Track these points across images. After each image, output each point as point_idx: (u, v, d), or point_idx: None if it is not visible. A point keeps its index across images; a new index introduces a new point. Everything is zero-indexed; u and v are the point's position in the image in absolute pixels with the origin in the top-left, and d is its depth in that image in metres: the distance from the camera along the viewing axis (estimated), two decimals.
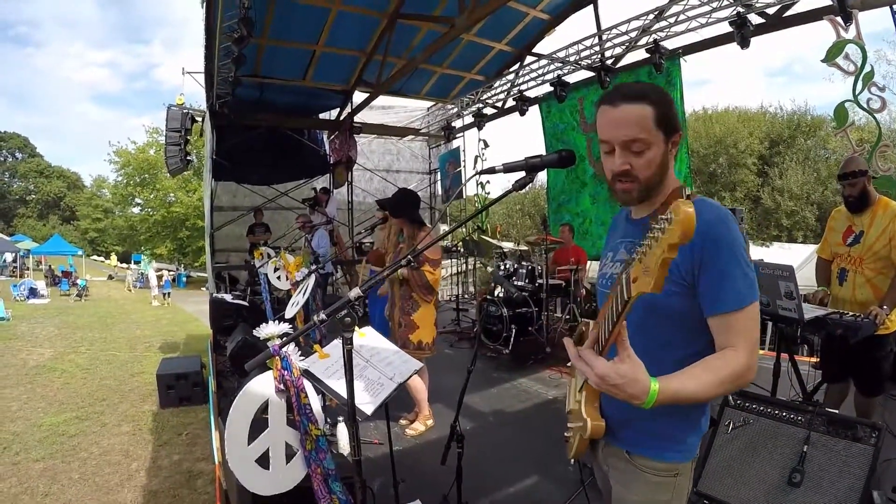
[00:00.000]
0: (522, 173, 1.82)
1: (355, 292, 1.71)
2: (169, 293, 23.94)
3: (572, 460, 1.94)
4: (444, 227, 14.95)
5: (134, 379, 9.69)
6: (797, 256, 13.92)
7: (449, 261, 12.70)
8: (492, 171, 1.86)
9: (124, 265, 44.87)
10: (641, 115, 1.63)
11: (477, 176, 11.63)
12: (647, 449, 1.74)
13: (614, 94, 1.70)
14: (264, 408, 2.03)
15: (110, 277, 37.21)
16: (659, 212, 1.64)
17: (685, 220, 1.10)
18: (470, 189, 13.05)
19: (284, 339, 1.97)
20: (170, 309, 21.36)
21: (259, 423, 2.05)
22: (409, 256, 1.87)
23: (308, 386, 2.09)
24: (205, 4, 6.18)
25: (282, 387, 2.00)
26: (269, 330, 2.04)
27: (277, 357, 1.95)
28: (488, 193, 12.15)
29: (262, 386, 2.02)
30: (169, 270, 39.51)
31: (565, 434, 1.96)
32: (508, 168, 1.84)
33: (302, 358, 2.14)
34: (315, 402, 2.14)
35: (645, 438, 1.74)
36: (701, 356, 1.57)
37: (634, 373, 1.37)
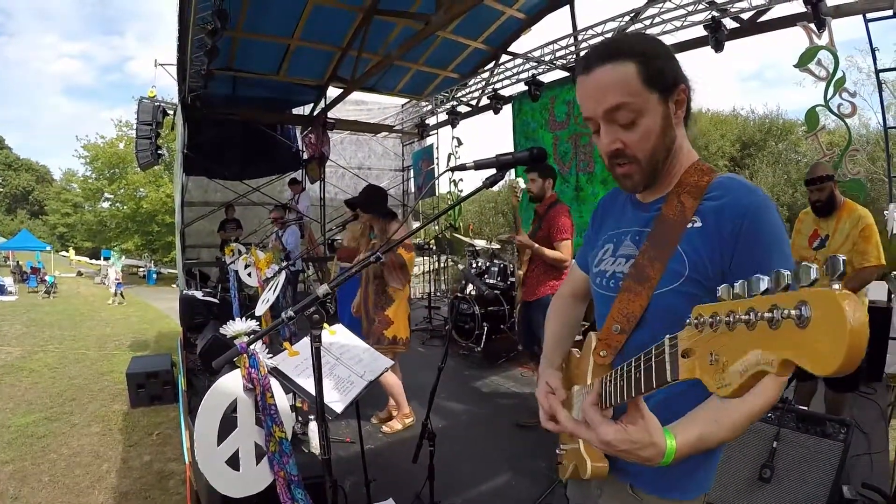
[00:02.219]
0: (494, 170, 1.80)
1: (324, 289, 1.68)
2: (121, 292, 23.00)
3: (562, 478, 1.66)
4: (416, 224, 14.96)
5: (104, 378, 9.56)
6: None
7: (421, 258, 12.69)
8: (463, 167, 1.74)
9: (94, 261, 44.03)
10: (622, 74, 1.29)
11: (449, 172, 11.70)
12: (652, 486, 1.46)
13: (589, 56, 1.35)
14: (234, 407, 2.01)
15: (79, 274, 36.64)
16: (678, 193, 1.38)
17: (852, 346, 0.60)
18: (443, 186, 13.05)
19: (252, 336, 1.95)
20: (139, 306, 21.09)
21: (229, 422, 2.02)
22: (378, 253, 1.85)
23: (275, 386, 2.07)
24: None
25: (249, 385, 1.97)
26: (237, 327, 2.02)
27: (245, 355, 1.92)
28: (461, 191, 12.15)
29: (231, 384, 2.00)
30: (138, 266, 39.04)
31: (557, 452, 1.69)
32: (480, 165, 1.73)
33: (271, 356, 2.12)
34: (283, 402, 2.11)
35: (652, 474, 1.42)
36: None
37: (649, 437, 1.14)
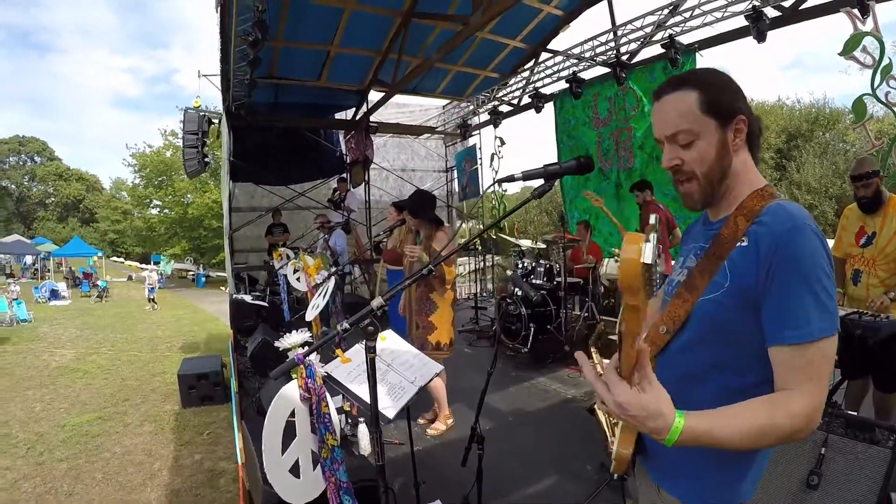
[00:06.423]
0: (541, 180, 1.82)
1: (377, 301, 1.71)
2: (153, 298, 22.20)
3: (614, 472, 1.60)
4: (459, 224, 14.93)
5: (155, 379, 9.77)
6: None
7: (466, 258, 12.69)
8: (511, 179, 1.84)
9: (144, 265, 44.81)
10: (683, 102, 1.46)
11: (493, 174, 11.71)
12: (678, 489, 1.54)
13: (662, 85, 1.53)
14: (291, 413, 2.06)
15: (130, 278, 37.51)
16: (736, 215, 1.47)
17: (624, 269, 1.02)
18: (487, 184, 12.98)
19: (308, 347, 2.00)
20: (189, 309, 21.47)
21: (287, 428, 2.08)
22: (430, 266, 1.89)
23: (328, 395, 2.12)
24: (219, 9, 6.22)
25: (306, 395, 2.03)
26: (292, 339, 2.07)
27: (302, 366, 1.98)
28: (505, 191, 12.14)
29: (290, 394, 2.05)
30: (188, 270, 39.79)
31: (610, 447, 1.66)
32: (528, 176, 1.80)
33: (322, 364, 2.17)
34: (331, 407, 2.16)
35: (677, 478, 1.54)
36: (756, 390, 1.35)
37: (658, 405, 1.19)
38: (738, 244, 1.42)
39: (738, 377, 1.40)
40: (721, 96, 1.45)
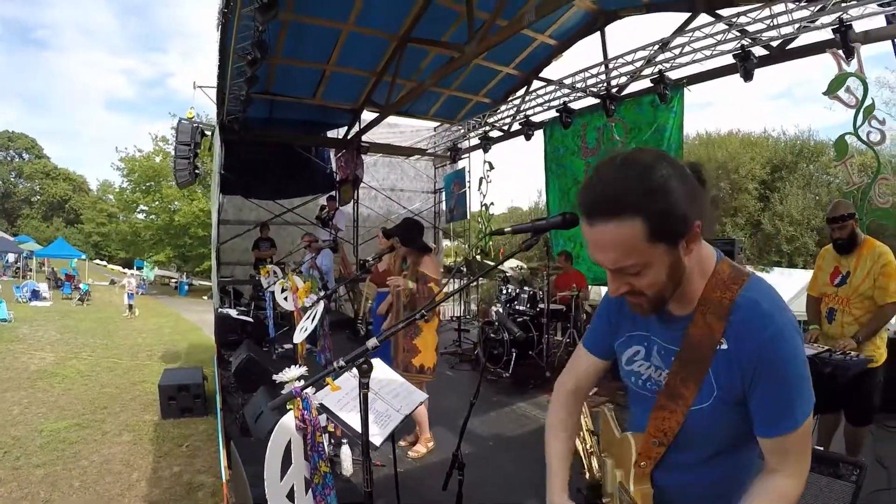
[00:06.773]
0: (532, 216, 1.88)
1: (372, 342, 1.80)
2: (130, 304, 21.50)
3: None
4: (446, 243, 14.98)
5: (135, 387, 9.74)
6: (798, 282, 13.95)
7: (452, 281, 12.75)
8: (501, 232, 1.86)
9: (126, 270, 44.36)
10: (626, 235, 1.23)
11: (481, 196, 11.82)
12: None
13: (590, 202, 1.28)
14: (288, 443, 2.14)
15: (112, 283, 37.19)
16: (703, 312, 1.38)
17: None
18: (474, 206, 13.09)
19: (304, 381, 2.08)
20: (171, 317, 21.33)
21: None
22: (423, 311, 1.98)
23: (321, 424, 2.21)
24: (220, 28, 6.30)
25: (302, 425, 2.11)
26: (290, 374, 2.16)
27: (299, 398, 2.06)
28: (492, 215, 12.23)
29: (288, 424, 2.13)
30: (171, 277, 39.52)
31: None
32: (517, 230, 1.83)
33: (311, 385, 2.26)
34: (326, 440, 2.25)
35: None
36: (746, 447, 1.44)
37: None
38: (718, 347, 1.36)
39: (733, 457, 1.47)
40: (670, 215, 1.23)
